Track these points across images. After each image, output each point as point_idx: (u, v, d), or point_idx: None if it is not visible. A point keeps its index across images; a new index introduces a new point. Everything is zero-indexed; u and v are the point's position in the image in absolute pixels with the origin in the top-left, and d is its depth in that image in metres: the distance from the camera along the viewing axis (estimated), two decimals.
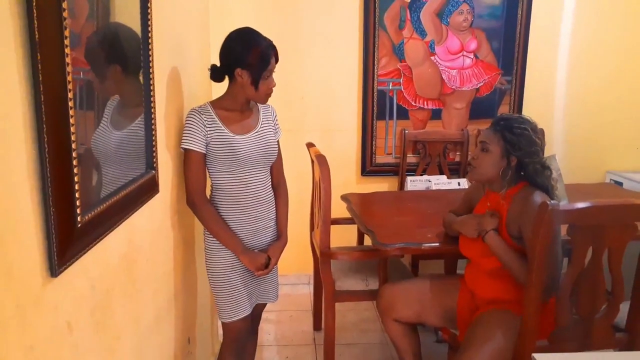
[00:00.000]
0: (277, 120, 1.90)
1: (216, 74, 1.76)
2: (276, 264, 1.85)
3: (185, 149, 1.70)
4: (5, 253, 0.78)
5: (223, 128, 1.72)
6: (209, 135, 1.70)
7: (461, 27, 3.14)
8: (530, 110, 3.26)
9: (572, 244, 1.55)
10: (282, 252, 1.87)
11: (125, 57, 1.30)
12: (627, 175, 3.21)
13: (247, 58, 1.66)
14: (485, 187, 1.91)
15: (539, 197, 1.71)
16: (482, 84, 3.22)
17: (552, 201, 1.54)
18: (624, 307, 1.68)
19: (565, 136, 3.34)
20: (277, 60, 1.73)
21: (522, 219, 1.71)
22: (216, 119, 1.72)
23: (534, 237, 1.53)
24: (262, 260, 1.79)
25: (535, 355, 1.17)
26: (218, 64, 1.75)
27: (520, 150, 1.74)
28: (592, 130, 3.34)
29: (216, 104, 1.76)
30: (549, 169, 1.78)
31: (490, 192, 1.87)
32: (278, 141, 1.89)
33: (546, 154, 3.12)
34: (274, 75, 1.74)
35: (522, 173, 1.80)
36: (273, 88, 1.75)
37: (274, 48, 1.71)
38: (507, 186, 1.80)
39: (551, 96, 3.32)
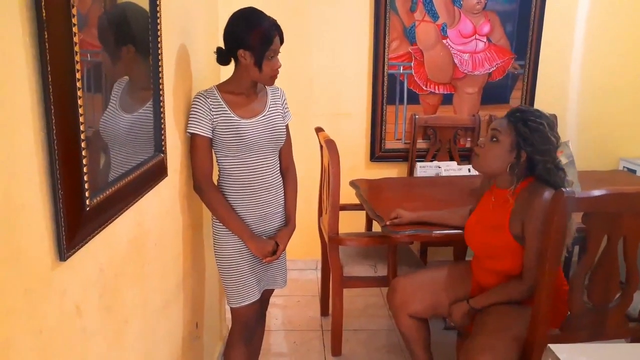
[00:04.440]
0: (286, 103, 1.86)
1: (221, 57, 1.73)
2: (284, 250, 1.84)
3: (191, 134, 1.68)
4: (13, 237, 0.77)
5: (229, 112, 1.69)
6: (215, 120, 1.67)
7: (474, 9, 3.07)
8: (544, 95, 3.21)
9: (587, 232, 1.52)
10: (290, 238, 1.86)
11: (134, 38, 1.27)
12: None
13: (249, 38, 1.63)
14: (492, 181, 1.83)
15: (548, 193, 1.63)
16: (494, 68, 3.17)
17: (567, 189, 1.50)
18: (638, 297, 1.66)
19: (578, 122, 3.29)
20: (282, 41, 1.68)
21: (526, 215, 1.65)
22: (222, 102, 1.69)
23: (549, 225, 1.50)
24: (270, 248, 1.77)
25: (550, 345, 1.16)
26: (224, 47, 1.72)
27: (532, 146, 1.65)
28: (606, 116, 3.28)
29: (222, 87, 1.74)
30: (563, 170, 1.69)
31: (496, 188, 1.80)
32: (287, 125, 1.86)
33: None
34: (280, 56, 1.70)
35: (531, 170, 1.71)
36: (279, 69, 1.71)
37: (277, 27, 1.66)
38: (516, 182, 1.71)
39: (565, 81, 3.26)
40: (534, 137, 1.65)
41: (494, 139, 1.72)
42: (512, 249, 1.71)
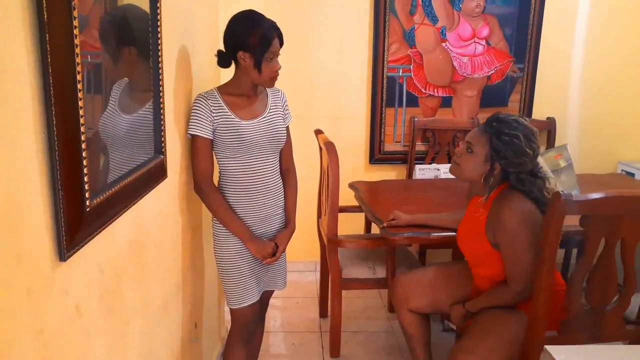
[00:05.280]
0: (287, 105, 1.87)
1: (222, 59, 1.73)
2: (284, 251, 1.85)
3: (192, 135, 1.69)
4: (14, 237, 0.77)
5: (230, 113, 1.70)
6: (215, 121, 1.68)
7: (474, 12, 3.08)
8: (542, 99, 3.22)
9: (585, 234, 1.53)
10: (289, 239, 1.86)
11: (135, 40, 1.28)
12: (639, 165, 3.17)
13: (248, 40, 1.63)
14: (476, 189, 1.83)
15: (513, 204, 1.64)
16: (493, 71, 3.18)
17: (564, 192, 1.50)
18: (635, 299, 1.66)
19: (577, 125, 3.30)
20: (281, 43, 1.69)
21: (495, 224, 1.66)
22: (223, 104, 1.70)
23: (547, 227, 1.51)
24: (269, 249, 1.78)
25: (547, 347, 1.16)
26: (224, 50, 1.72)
27: (505, 159, 1.64)
28: (605, 120, 3.29)
29: (223, 89, 1.74)
30: (542, 178, 1.68)
31: (477, 196, 1.80)
32: (288, 127, 1.86)
33: (557, 143, 3.12)
34: (281, 58, 1.71)
35: (506, 178, 1.71)
36: (278, 71, 1.71)
37: (276, 29, 1.67)
38: (490, 191, 1.71)
39: (564, 85, 3.27)
40: (507, 150, 1.64)
41: (469, 150, 1.73)
42: (494, 256, 1.72)
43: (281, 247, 1.81)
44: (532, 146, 1.65)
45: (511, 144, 1.63)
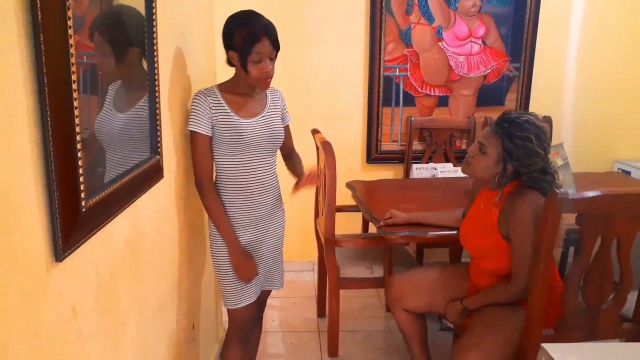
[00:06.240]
0: (285, 105, 1.87)
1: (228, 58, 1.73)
2: (311, 182, 1.83)
3: (191, 132, 1.68)
4: (9, 238, 0.77)
5: (229, 111, 1.69)
6: (214, 118, 1.68)
7: (470, 12, 3.09)
8: (539, 97, 3.23)
9: (581, 233, 1.54)
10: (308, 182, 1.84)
11: (130, 40, 1.28)
12: (635, 164, 3.19)
13: (233, 39, 1.63)
14: (483, 184, 1.85)
15: (530, 199, 1.65)
16: (489, 70, 3.18)
17: (560, 191, 1.51)
18: (632, 297, 1.67)
19: (573, 124, 3.31)
20: (274, 44, 1.64)
21: (510, 219, 1.67)
22: (222, 101, 1.70)
23: (542, 225, 1.51)
24: (250, 273, 1.76)
25: (544, 345, 1.16)
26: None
27: (518, 160, 1.66)
28: (601, 118, 3.30)
29: (223, 87, 1.74)
30: (551, 174, 1.70)
31: (486, 190, 1.82)
32: (287, 126, 1.86)
33: (554, 141, 3.12)
34: (277, 60, 1.70)
35: (519, 176, 1.73)
36: (268, 73, 1.65)
37: (266, 30, 1.62)
38: (504, 186, 1.74)
39: (560, 84, 3.28)
40: (519, 152, 1.65)
41: (482, 152, 1.74)
42: (504, 249, 1.72)
43: (302, 182, 1.81)
44: (544, 145, 1.67)
45: (523, 147, 1.64)
